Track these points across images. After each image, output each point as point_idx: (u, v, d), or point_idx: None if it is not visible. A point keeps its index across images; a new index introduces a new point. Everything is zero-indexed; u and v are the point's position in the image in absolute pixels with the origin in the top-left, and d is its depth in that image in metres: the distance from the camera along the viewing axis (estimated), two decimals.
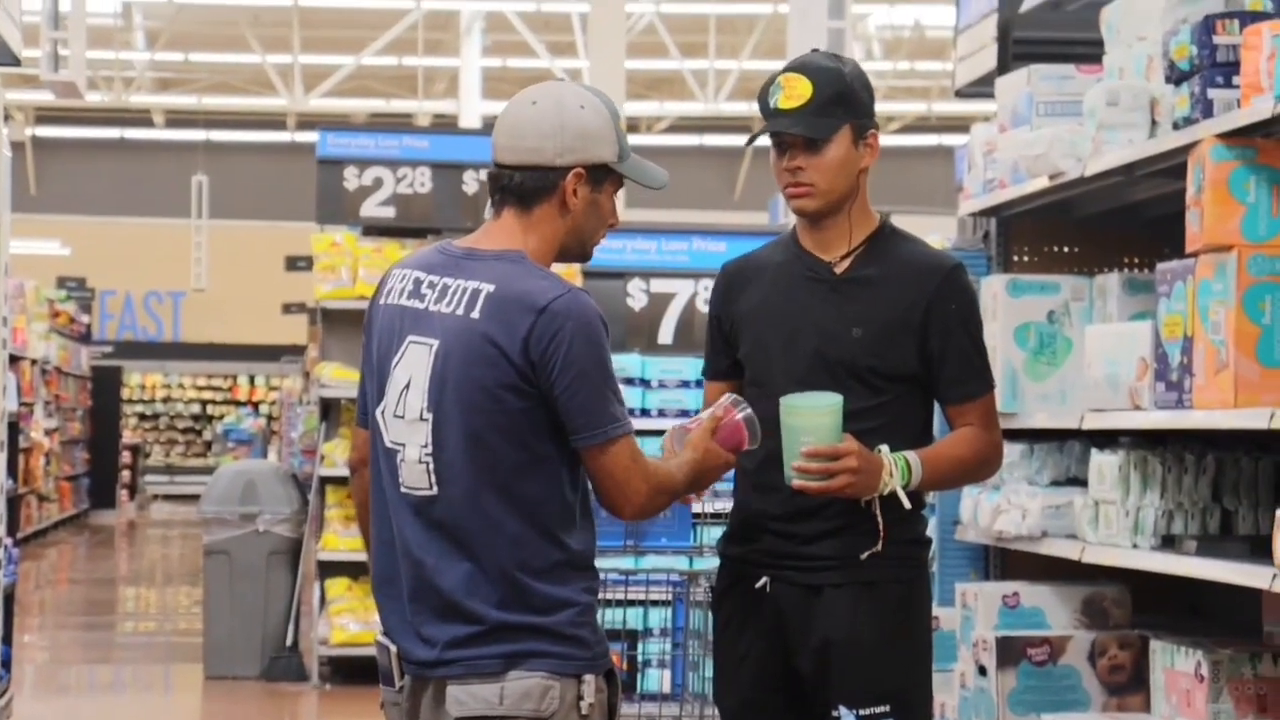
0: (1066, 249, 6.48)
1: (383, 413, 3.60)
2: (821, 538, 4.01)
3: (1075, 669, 5.60)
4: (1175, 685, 4.99)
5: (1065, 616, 5.80)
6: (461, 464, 3.50)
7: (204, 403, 34.75)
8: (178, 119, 33.49)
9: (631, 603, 5.66)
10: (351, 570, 10.50)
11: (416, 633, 3.56)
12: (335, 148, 11.18)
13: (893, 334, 4.02)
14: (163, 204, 33.33)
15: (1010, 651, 5.59)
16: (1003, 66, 6.94)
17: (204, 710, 10.46)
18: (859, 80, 4.07)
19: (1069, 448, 5.95)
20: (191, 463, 33.65)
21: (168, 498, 31.67)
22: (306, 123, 30.88)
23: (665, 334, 9.81)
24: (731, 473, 4.01)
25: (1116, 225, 6.39)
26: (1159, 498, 5.23)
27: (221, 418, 33.76)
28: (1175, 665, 5.00)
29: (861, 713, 3.96)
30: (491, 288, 3.52)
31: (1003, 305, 5.94)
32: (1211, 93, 4.85)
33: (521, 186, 3.60)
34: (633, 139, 3.79)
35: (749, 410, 3.79)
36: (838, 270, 4.09)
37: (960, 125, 28.66)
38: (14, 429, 12.28)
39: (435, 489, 3.53)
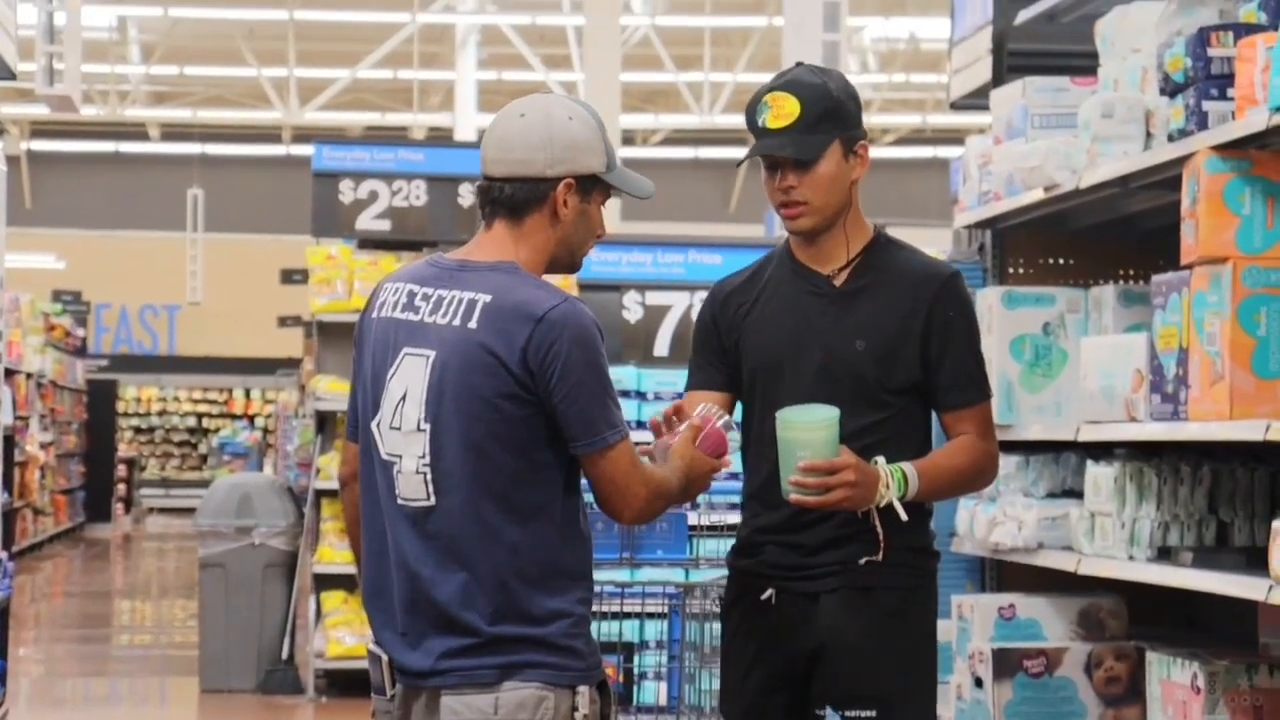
0: (1062, 261, 6.49)
1: (377, 425, 3.61)
2: (824, 548, 4.01)
3: (1072, 681, 5.60)
4: (1171, 696, 4.99)
5: (1061, 628, 5.80)
6: (460, 473, 3.52)
7: (199, 416, 34.72)
8: (173, 132, 33.49)
9: (628, 615, 5.65)
10: (347, 583, 10.49)
11: (410, 644, 3.57)
12: (331, 161, 11.18)
13: (895, 343, 4.02)
14: (158, 217, 33.31)
15: (1006, 663, 5.59)
16: (997, 79, 6.96)
17: None
18: (845, 92, 4.06)
19: (1065, 459, 5.95)
20: (187, 476, 33.62)
21: (163, 511, 31.64)
22: (302, 136, 30.88)
23: (661, 346, 9.82)
24: (740, 486, 4.03)
25: (1112, 237, 6.39)
26: (1155, 509, 5.23)
27: (217, 431, 33.75)
28: (1171, 676, 5.00)
29: (847, 714, 3.96)
30: (488, 298, 3.54)
31: (998, 317, 5.94)
32: (1206, 105, 4.85)
33: (512, 198, 3.62)
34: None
35: (727, 418, 3.82)
36: (836, 283, 4.08)
37: (955, 138, 28.66)
38: (9, 443, 12.29)
39: (433, 499, 3.54)
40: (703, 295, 4.40)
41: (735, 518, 5.92)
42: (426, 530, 3.54)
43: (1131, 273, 6.41)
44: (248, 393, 34.42)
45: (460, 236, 10.51)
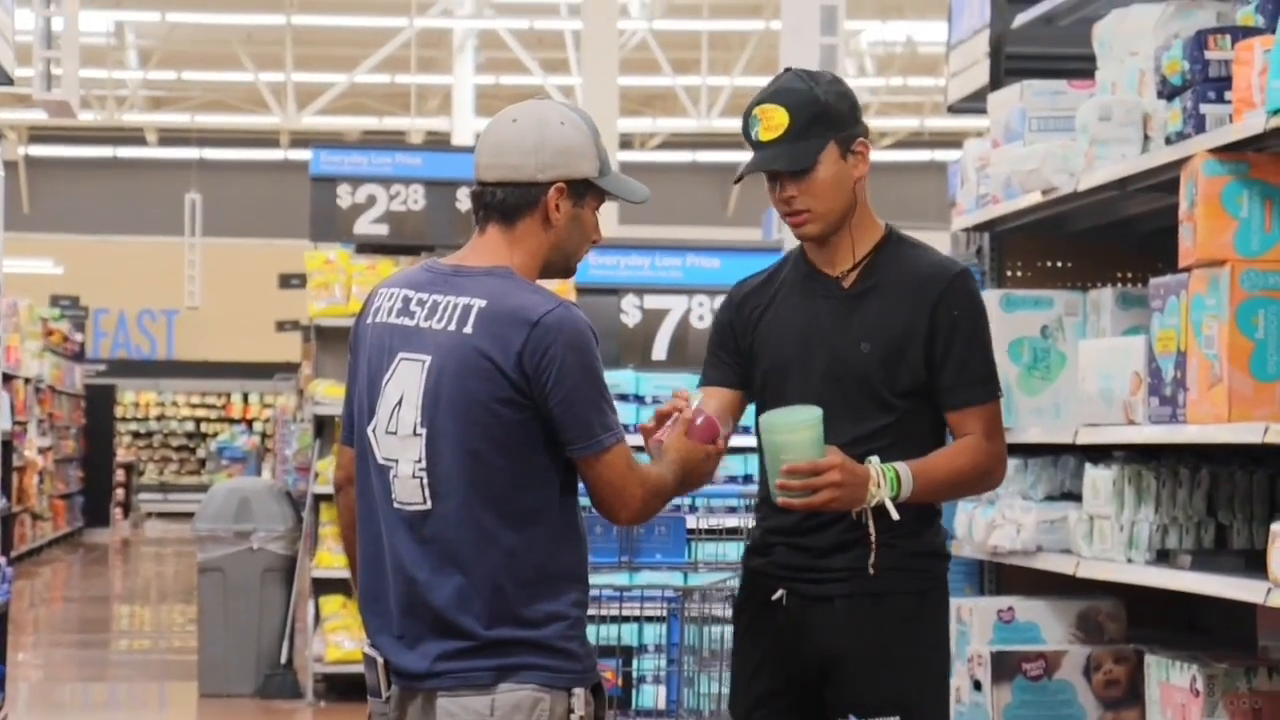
0: (1060, 264, 6.49)
1: (373, 430, 3.62)
2: (833, 551, 4.01)
3: (1070, 684, 5.60)
4: (1171, 700, 4.99)
5: (1060, 631, 5.79)
6: (456, 478, 3.53)
7: (198, 420, 34.70)
8: (171, 137, 33.49)
9: (626, 619, 5.66)
10: (346, 587, 10.48)
11: (407, 645, 3.58)
12: (329, 165, 11.19)
13: (899, 346, 4.00)
14: (156, 222, 33.31)
15: (1005, 666, 5.59)
16: (995, 82, 6.95)
17: None
18: (834, 92, 4.03)
19: (1063, 462, 5.95)
20: (185, 480, 33.60)
21: (162, 515, 31.61)
22: (300, 140, 30.88)
23: (659, 350, 9.81)
24: (738, 490, 4.03)
25: (1110, 240, 6.39)
26: (1153, 512, 5.23)
27: (215, 435, 33.69)
28: (1171, 680, 5.00)
29: None
30: (483, 303, 3.55)
31: (996, 320, 5.93)
32: (1204, 108, 4.85)
33: (504, 203, 3.64)
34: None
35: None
36: (845, 285, 4.07)
37: (953, 141, 28.68)
38: (8, 447, 12.28)
39: (429, 503, 3.55)
40: (701, 299, 4.41)
41: (733, 521, 5.94)
42: (423, 534, 3.55)
43: (1129, 275, 6.41)
44: (246, 397, 34.41)
45: (458, 241, 10.49)
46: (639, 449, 3.79)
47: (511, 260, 3.63)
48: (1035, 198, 5.82)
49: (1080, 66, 6.10)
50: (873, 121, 29.80)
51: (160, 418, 34.67)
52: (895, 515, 3.92)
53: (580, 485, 3.64)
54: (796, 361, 4.06)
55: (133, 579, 21.26)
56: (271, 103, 28.79)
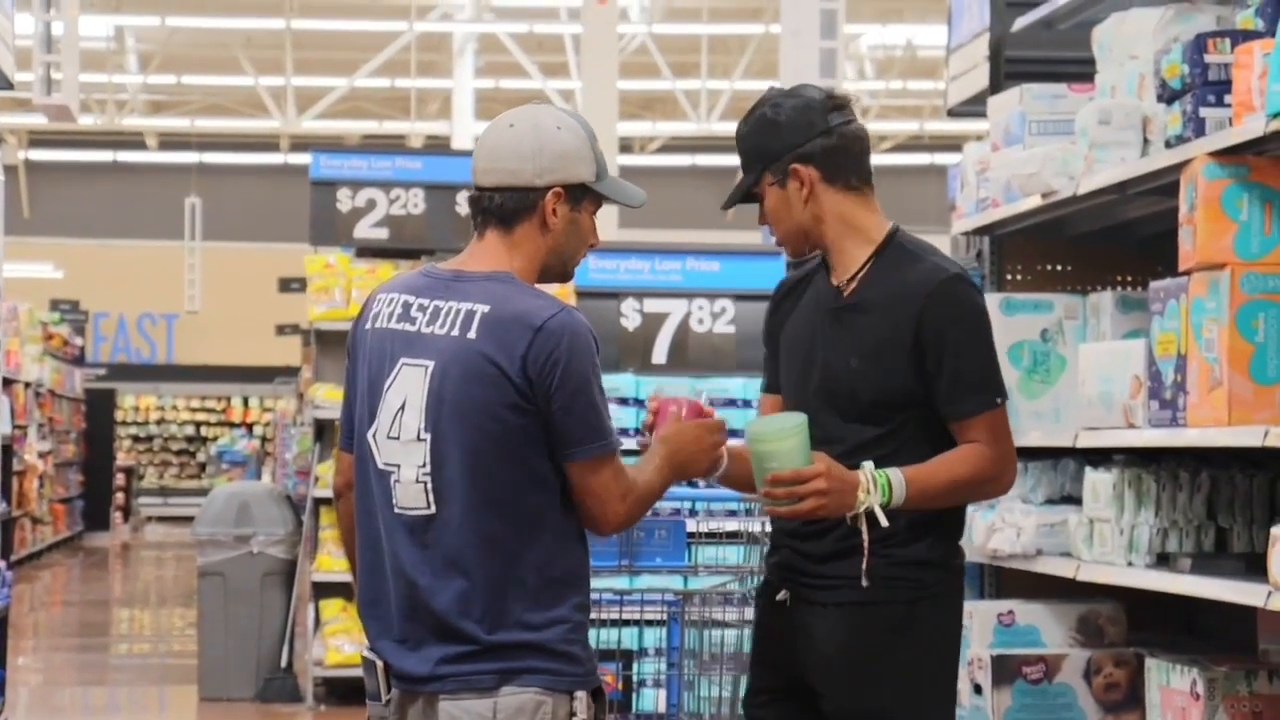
0: (1060, 267, 6.49)
1: (374, 435, 3.62)
2: (830, 558, 3.99)
3: (1071, 687, 5.60)
4: (1171, 703, 4.99)
5: (1060, 634, 5.80)
6: (461, 482, 3.53)
7: (198, 424, 34.71)
8: (171, 141, 33.49)
9: (626, 622, 5.65)
10: (346, 591, 10.48)
11: (409, 649, 3.58)
12: (328, 169, 11.19)
13: (885, 360, 3.95)
14: (156, 226, 33.32)
15: (1005, 670, 5.59)
16: (995, 85, 6.95)
17: None
18: (767, 120, 4.03)
19: (1063, 466, 5.95)
20: (185, 484, 33.61)
21: (162, 519, 31.63)
22: (299, 144, 30.87)
23: (659, 354, 9.81)
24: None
25: (1109, 243, 6.39)
26: (1154, 515, 5.23)
27: (215, 439, 33.70)
28: (1171, 683, 5.00)
29: None
30: (486, 308, 3.56)
31: (996, 324, 5.91)
32: (1203, 111, 4.86)
33: (502, 208, 3.65)
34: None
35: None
36: (845, 294, 4.05)
37: (953, 144, 28.71)
38: (7, 452, 12.27)
39: (433, 508, 3.55)
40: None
41: (733, 525, 5.93)
42: (425, 539, 3.55)
43: (1129, 279, 6.41)
44: (246, 401, 34.42)
45: (458, 245, 10.49)
46: (634, 453, 3.79)
47: (511, 265, 3.64)
48: (1035, 201, 5.82)
49: (1080, 70, 6.10)
50: (872, 125, 29.79)
51: (160, 422, 34.67)
52: (884, 522, 3.87)
53: None
54: (799, 374, 4.07)
55: (133, 583, 21.26)
56: (271, 107, 28.80)
